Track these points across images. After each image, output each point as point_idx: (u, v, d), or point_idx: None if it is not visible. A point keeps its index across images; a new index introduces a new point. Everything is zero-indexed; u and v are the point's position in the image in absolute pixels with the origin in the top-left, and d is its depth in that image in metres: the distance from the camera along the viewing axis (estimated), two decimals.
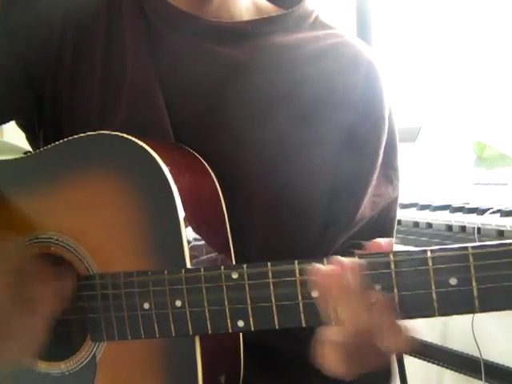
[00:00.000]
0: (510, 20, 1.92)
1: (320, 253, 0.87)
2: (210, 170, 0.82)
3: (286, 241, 0.86)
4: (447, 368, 1.75)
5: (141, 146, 0.76)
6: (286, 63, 0.88)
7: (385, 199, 0.91)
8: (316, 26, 0.92)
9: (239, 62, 0.87)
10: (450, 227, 1.60)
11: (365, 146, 0.89)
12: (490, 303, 0.61)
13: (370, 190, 0.89)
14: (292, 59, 0.88)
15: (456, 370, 1.79)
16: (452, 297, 0.62)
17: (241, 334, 0.79)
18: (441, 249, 0.63)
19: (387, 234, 0.92)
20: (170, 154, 0.80)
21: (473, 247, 0.61)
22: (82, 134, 0.80)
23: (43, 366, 0.81)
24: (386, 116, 0.91)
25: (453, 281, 0.62)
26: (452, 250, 0.62)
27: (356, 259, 0.65)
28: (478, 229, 1.52)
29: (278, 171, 0.85)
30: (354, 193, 0.89)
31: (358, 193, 0.88)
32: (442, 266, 0.62)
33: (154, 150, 0.76)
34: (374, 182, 0.89)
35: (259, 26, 0.89)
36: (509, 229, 1.43)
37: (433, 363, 1.76)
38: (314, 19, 0.93)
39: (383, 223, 0.92)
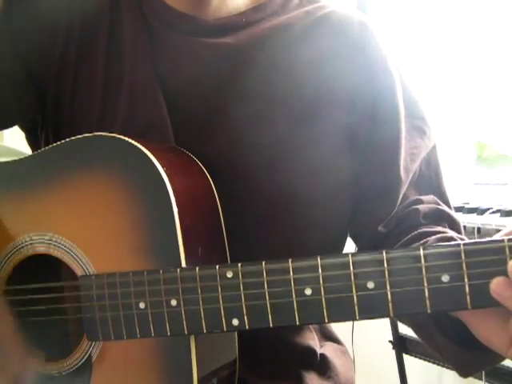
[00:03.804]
0: (510, 20, 1.92)
1: (365, 230, 0.89)
2: (206, 171, 0.83)
3: (285, 242, 0.86)
4: (447, 368, 1.75)
5: (137, 148, 0.76)
6: (282, 44, 0.88)
7: (423, 150, 0.90)
8: (303, 3, 0.93)
9: (238, 51, 0.87)
10: None
11: (380, 109, 0.88)
12: (482, 300, 0.61)
13: (403, 145, 0.88)
14: (286, 39, 0.88)
15: None
16: (444, 294, 0.62)
17: (236, 333, 0.80)
18: (433, 246, 0.63)
19: (436, 183, 0.91)
20: (166, 155, 0.80)
21: (465, 244, 0.62)
22: (80, 136, 0.80)
23: (40, 366, 0.81)
24: (394, 70, 0.90)
25: (445, 278, 0.62)
26: (445, 246, 0.62)
27: None
28: (478, 229, 1.52)
29: (276, 172, 0.85)
30: (386, 158, 0.88)
31: (391, 155, 0.87)
32: (435, 262, 0.62)
33: (150, 151, 0.76)
34: (404, 138, 0.88)
35: (251, 15, 0.90)
36: None
37: (433, 363, 1.76)
38: None
39: (428, 174, 0.91)
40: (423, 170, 0.90)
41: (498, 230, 1.42)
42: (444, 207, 0.88)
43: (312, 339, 0.95)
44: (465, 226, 1.55)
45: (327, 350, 0.98)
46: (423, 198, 0.88)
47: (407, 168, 0.88)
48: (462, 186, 1.82)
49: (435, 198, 0.88)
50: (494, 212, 1.54)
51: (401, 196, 0.88)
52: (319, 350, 0.96)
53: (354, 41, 0.89)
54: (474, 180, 1.83)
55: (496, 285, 0.61)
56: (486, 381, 1.52)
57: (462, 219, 1.56)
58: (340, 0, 1.00)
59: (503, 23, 1.95)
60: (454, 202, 1.63)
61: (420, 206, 0.86)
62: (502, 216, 1.50)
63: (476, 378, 1.53)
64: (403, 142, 0.88)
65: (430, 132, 0.92)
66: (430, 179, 0.91)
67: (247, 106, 0.86)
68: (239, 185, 0.85)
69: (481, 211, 1.57)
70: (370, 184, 0.88)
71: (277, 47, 0.88)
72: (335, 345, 1.02)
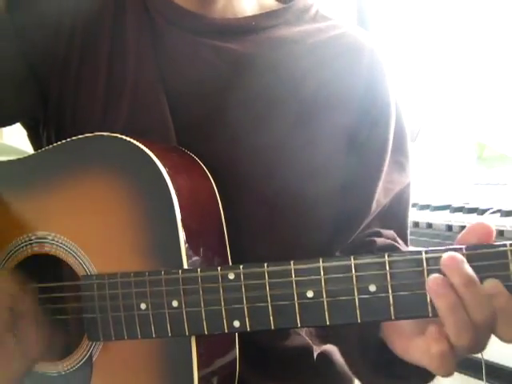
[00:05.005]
0: (510, 20, 1.92)
1: (334, 248, 0.89)
2: (208, 172, 0.82)
3: (284, 243, 0.86)
4: None
5: (139, 148, 0.76)
6: (289, 56, 0.88)
7: (398, 185, 0.91)
8: (317, 18, 0.93)
9: (243, 57, 0.87)
10: (449, 227, 1.61)
11: (372, 139, 0.89)
12: None
13: (382, 178, 0.89)
14: (294, 52, 0.89)
15: (457, 370, 1.77)
16: None
17: (236, 334, 0.80)
18: (435, 249, 0.63)
19: (401, 220, 0.93)
20: (169, 156, 0.80)
21: (467, 248, 0.62)
22: (82, 136, 0.80)
23: (40, 366, 0.81)
24: (393, 103, 0.91)
25: None
26: (447, 250, 0.62)
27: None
28: None
29: (275, 174, 0.85)
30: (366, 185, 0.89)
31: (370, 185, 0.89)
32: (435, 267, 0.62)
33: (153, 152, 0.76)
34: (385, 171, 0.89)
35: (262, 21, 0.90)
36: (509, 229, 1.43)
37: None
38: (314, 13, 0.94)
39: (397, 210, 0.92)
40: (393, 206, 0.91)
41: (499, 231, 1.43)
42: (401, 245, 0.89)
43: (303, 341, 0.95)
44: (465, 227, 1.55)
45: (326, 350, 0.98)
46: (383, 231, 0.89)
47: (379, 201, 0.90)
48: (462, 186, 1.82)
49: (394, 235, 0.90)
50: (494, 212, 1.54)
51: (362, 226, 0.89)
52: (316, 350, 0.96)
53: (362, 69, 0.89)
54: (474, 180, 1.84)
55: (432, 282, 0.61)
56: (487, 381, 1.52)
57: (462, 219, 1.57)
58: (339, 10, 1.01)
59: (503, 23, 1.94)
60: (454, 202, 1.64)
61: (377, 239, 0.87)
62: (502, 216, 1.50)
63: (476, 378, 1.53)
64: (383, 175, 0.90)
65: (408, 169, 0.93)
66: (396, 215, 0.92)
67: (247, 109, 0.86)
68: (238, 186, 0.85)
69: (481, 211, 1.57)
70: (348, 203, 0.89)
71: (281, 57, 0.88)
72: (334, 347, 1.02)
